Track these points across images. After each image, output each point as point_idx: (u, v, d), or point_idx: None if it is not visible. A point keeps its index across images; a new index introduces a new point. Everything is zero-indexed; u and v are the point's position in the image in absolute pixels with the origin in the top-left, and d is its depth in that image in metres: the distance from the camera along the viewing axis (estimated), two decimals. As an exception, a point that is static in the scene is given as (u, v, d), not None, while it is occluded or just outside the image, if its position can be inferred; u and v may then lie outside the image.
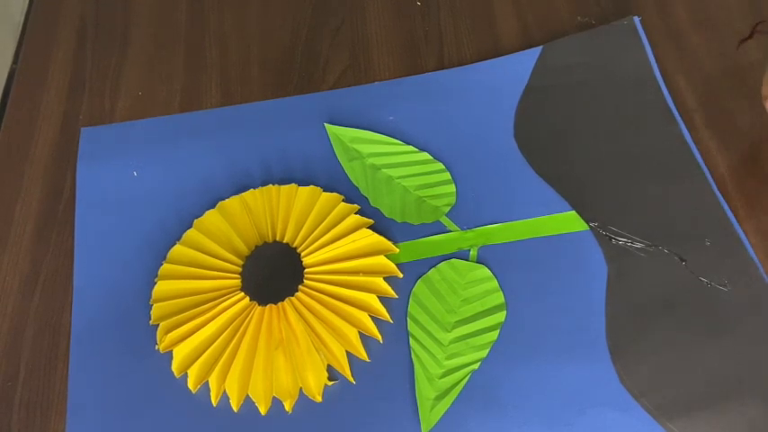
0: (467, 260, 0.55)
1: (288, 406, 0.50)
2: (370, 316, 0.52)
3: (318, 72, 0.67)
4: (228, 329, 0.52)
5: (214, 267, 0.54)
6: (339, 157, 0.61)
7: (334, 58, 0.68)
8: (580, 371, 0.50)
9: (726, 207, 0.55)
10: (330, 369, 0.51)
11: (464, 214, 0.57)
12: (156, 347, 0.52)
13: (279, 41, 0.70)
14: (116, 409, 0.51)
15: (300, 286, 0.53)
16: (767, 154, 0.58)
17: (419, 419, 0.49)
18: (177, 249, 0.55)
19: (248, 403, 0.50)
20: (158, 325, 0.52)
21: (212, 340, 0.52)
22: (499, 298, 0.53)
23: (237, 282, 0.54)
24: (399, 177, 0.60)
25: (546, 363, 0.50)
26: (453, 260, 0.55)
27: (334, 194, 0.57)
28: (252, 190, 0.58)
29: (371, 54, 0.68)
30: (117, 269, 0.56)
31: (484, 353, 0.51)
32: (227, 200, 0.58)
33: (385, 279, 0.54)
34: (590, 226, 0.56)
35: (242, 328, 0.52)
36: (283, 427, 0.49)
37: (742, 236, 0.54)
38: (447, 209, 0.58)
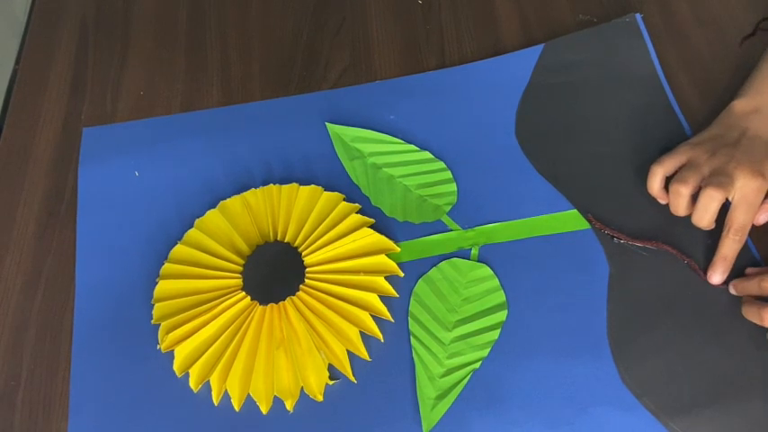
0: (468, 259, 0.55)
1: (289, 405, 0.50)
2: (371, 315, 0.52)
3: (319, 71, 0.67)
4: (230, 329, 0.52)
5: (215, 267, 0.54)
6: (340, 157, 0.61)
7: (335, 58, 0.68)
8: (581, 370, 0.50)
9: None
10: (331, 368, 0.51)
11: (465, 213, 0.57)
12: (158, 347, 0.52)
13: (280, 41, 0.70)
14: (118, 409, 0.51)
15: (301, 285, 0.53)
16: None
17: (420, 418, 0.49)
18: (178, 249, 0.56)
19: (249, 403, 0.50)
20: (160, 324, 0.53)
21: (213, 340, 0.52)
22: (500, 297, 0.53)
23: (239, 281, 0.54)
24: (400, 176, 0.60)
25: (547, 362, 0.50)
26: (454, 259, 0.55)
27: (336, 194, 0.57)
28: (253, 189, 0.58)
29: (372, 53, 0.68)
30: (118, 269, 0.57)
31: (485, 352, 0.51)
32: (228, 199, 0.58)
33: (386, 278, 0.54)
34: (591, 225, 0.55)
35: (243, 328, 0.52)
36: (284, 427, 0.49)
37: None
38: (448, 208, 0.58)
